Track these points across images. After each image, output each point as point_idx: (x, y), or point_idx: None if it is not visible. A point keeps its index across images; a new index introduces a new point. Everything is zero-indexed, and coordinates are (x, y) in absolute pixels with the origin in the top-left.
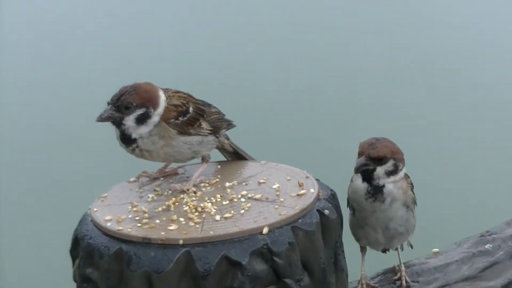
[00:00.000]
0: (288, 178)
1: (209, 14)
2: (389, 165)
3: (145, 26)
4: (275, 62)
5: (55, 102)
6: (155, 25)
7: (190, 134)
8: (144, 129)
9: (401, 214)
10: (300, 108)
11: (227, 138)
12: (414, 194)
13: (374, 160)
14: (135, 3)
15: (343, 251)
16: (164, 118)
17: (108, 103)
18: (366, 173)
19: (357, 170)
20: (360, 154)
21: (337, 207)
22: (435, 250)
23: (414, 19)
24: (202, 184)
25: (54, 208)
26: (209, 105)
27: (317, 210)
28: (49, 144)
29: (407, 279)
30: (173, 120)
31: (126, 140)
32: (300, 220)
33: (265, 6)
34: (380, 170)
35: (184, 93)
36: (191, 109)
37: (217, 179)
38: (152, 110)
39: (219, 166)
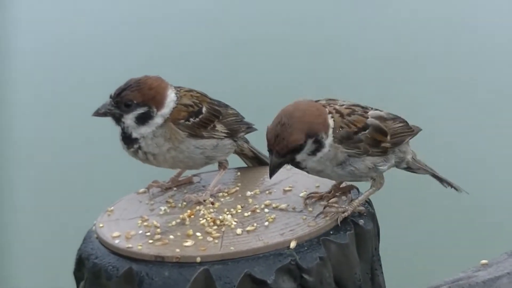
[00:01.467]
0: (317, 184)
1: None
2: (308, 146)
3: (154, 24)
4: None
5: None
6: (165, 23)
7: (202, 137)
8: (145, 130)
9: (339, 173)
10: None
11: (247, 142)
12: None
13: (288, 154)
14: (142, 2)
15: (380, 265)
16: (173, 119)
17: (110, 96)
18: (293, 163)
19: (272, 175)
20: (269, 151)
21: (373, 216)
22: (484, 261)
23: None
24: (221, 194)
25: (53, 223)
26: (226, 106)
27: (351, 220)
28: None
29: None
30: (182, 121)
31: (127, 139)
32: (331, 232)
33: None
34: (301, 156)
35: (198, 92)
36: (204, 109)
37: (237, 188)
38: (154, 110)
39: (238, 173)
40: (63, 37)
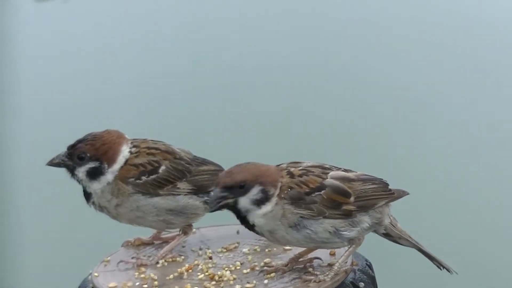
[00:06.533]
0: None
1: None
2: (254, 192)
3: (158, 26)
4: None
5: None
6: (169, 25)
7: (157, 195)
8: (96, 185)
9: (295, 236)
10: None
11: None
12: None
13: (233, 189)
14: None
15: None
16: (121, 177)
17: (67, 148)
18: (232, 210)
19: (212, 207)
20: (216, 186)
21: (373, 280)
22: None
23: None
24: (219, 250)
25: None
26: (202, 164)
27: (351, 283)
28: None
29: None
30: (132, 179)
31: (85, 193)
32: None
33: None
34: (244, 201)
35: (164, 149)
36: (162, 168)
37: (236, 244)
38: (105, 165)
39: (238, 229)
40: (68, 42)
